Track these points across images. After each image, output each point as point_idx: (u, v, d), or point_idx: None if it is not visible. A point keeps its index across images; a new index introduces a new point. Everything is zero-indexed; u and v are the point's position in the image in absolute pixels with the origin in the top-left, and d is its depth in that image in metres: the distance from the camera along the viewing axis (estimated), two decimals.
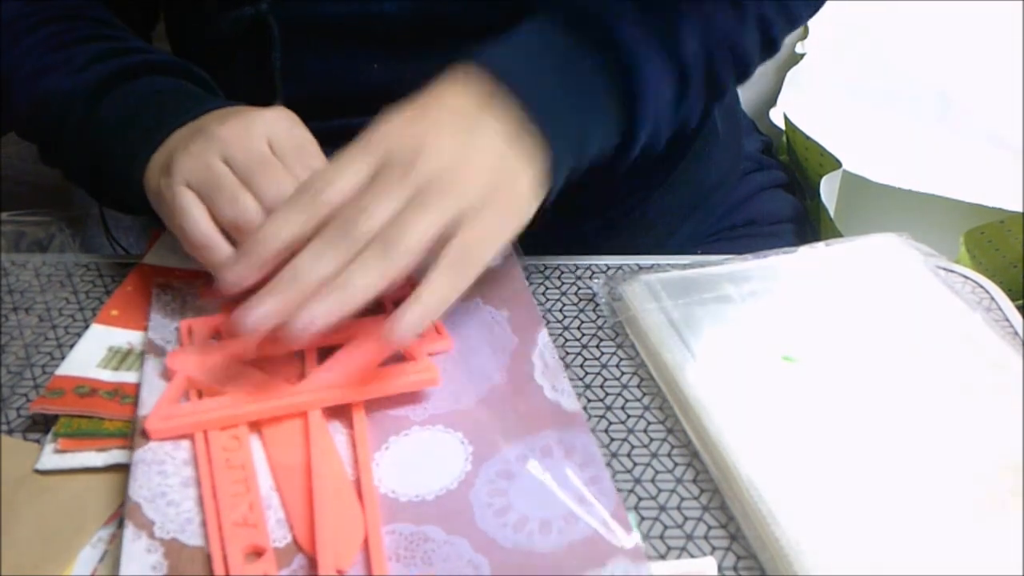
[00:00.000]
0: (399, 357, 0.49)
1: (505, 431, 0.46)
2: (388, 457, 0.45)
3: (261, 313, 0.43)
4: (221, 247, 0.49)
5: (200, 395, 0.47)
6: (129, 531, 0.40)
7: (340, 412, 0.47)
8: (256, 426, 0.46)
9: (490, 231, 0.46)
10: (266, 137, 0.51)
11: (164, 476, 0.43)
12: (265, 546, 0.40)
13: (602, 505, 0.42)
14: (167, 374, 0.48)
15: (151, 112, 0.54)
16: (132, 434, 0.45)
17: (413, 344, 0.49)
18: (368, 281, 0.43)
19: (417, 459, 0.45)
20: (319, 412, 0.46)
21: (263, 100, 0.65)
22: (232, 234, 0.49)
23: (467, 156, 0.46)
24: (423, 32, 0.63)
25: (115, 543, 0.41)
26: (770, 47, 0.60)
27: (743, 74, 0.59)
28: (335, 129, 0.66)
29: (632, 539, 0.41)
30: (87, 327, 0.53)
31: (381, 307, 0.52)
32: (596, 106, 0.51)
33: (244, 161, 0.49)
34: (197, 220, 0.49)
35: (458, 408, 0.48)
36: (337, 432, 0.46)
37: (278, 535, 0.41)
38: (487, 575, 0.39)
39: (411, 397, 0.48)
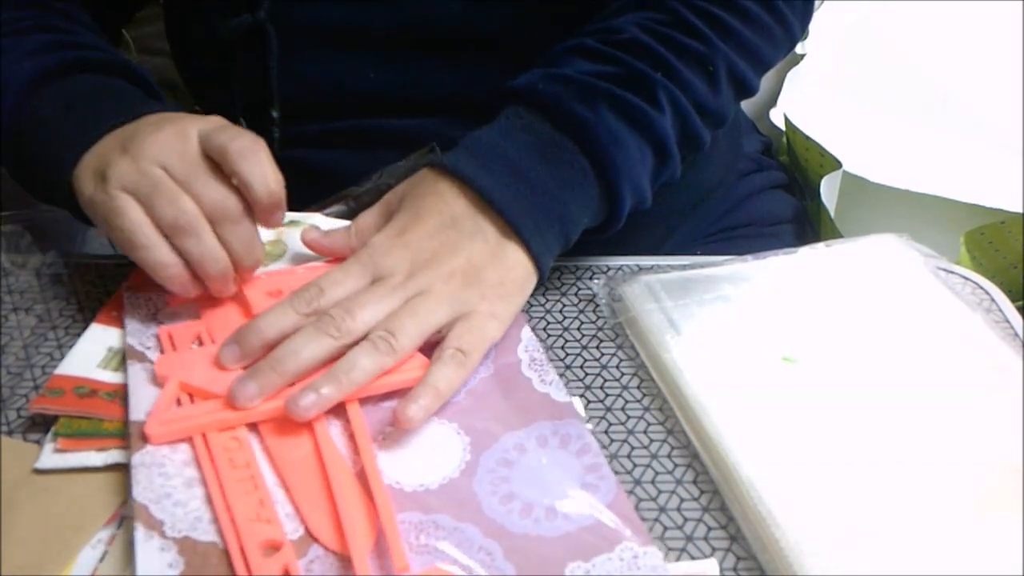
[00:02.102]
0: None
1: (499, 421, 0.47)
2: (387, 448, 0.45)
3: (254, 390, 0.46)
4: (160, 247, 0.49)
5: (192, 399, 0.47)
6: (140, 532, 0.40)
7: (333, 406, 0.47)
8: (253, 426, 0.46)
9: (484, 330, 0.50)
10: (212, 149, 0.50)
11: (166, 478, 0.43)
12: (281, 540, 0.40)
13: (604, 492, 0.43)
14: (157, 380, 0.48)
15: (84, 111, 0.54)
16: (127, 438, 0.45)
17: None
18: (367, 368, 0.46)
19: (415, 449, 0.45)
20: (332, 413, 0.47)
21: (260, 104, 0.65)
22: (171, 237, 0.49)
23: (455, 269, 0.50)
24: (418, 40, 0.63)
25: (115, 543, 0.41)
26: (747, 92, 0.61)
27: (719, 125, 0.60)
28: (332, 131, 0.66)
29: (637, 523, 0.41)
30: (87, 327, 0.53)
31: None
32: (576, 194, 0.53)
33: (181, 167, 0.49)
34: (135, 220, 0.48)
35: (449, 400, 0.48)
36: (331, 426, 0.47)
37: (289, 528, 0.41)
38: (500, 559, 0.40)
39: (402, 390, 0.48)
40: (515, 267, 0.52)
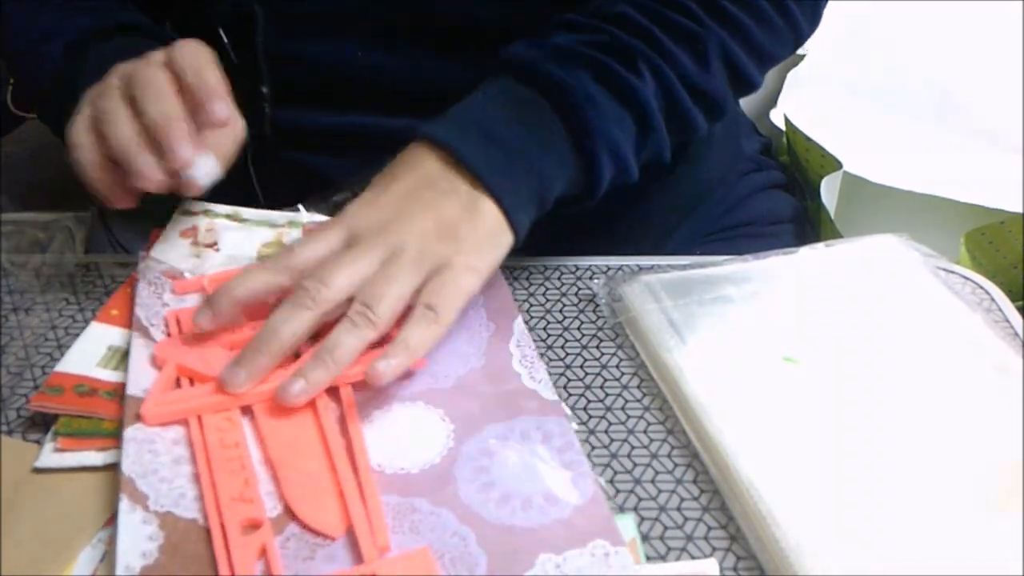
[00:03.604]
0: (385, 340, 0.50)
1: (484, 412, 0.47)
2: (372, 431, 0.46)
3: (243, 376, 0.46)
4: (94, 169, 0.52)
5: (192, 381, 0.48)
6: (124, 503, 0.41)
7: (327, 390, 0.48)
8: (246, 407, 0.47)
9: (458, 283, 0.49)
10: (166, 59, 0.53)
11: (155, 455, 0.44)
12: (261, 519, 0.41)
13: (581, 490, 0.43)
14: (156, 362, 0.49)
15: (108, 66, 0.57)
16: (124, 411, 0.46)
17: (395, 328, 0.50)
18: (352, 347, 0.47)
19: (400, 434, 0.46)
20: (324, 391, 0.47)
21: (250, 86, 0.65)
22: (98, 125, 0.51)
23: (428, 226, 0.50)
24: (411, 29, 0.63)
25: (115, 543, 0.41)
26: (746, 86, 0.61)
27: (713, 112, 0.59)
28: (328, 130, 0.65)
29: (611, 524, 0.41)
30: (87, 327, 0.53)
31: None
32: (551, 155, 0.53)
33: (136, 78, 0.51)
34: (78, 128, 0.52)
35: (437, 387, 0.49)
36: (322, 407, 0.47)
37: (269, 506, 0.42)
38: (473, 545, 0.40)
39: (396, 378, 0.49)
40: (488, 222, 0.51)
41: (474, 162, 0.51)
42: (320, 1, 0.63)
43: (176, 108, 0.51)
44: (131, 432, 0.45)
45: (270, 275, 0.49)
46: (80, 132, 0.52)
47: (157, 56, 0.53)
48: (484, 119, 0.53)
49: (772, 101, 0.99)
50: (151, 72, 0.51)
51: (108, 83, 0.53)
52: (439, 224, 0.50)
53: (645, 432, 0.48)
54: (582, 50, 0.54)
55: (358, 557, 0.40)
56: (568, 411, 0.48)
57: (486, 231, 0.51)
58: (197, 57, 0.52)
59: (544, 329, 0.55)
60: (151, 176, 0.50)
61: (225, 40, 0.65)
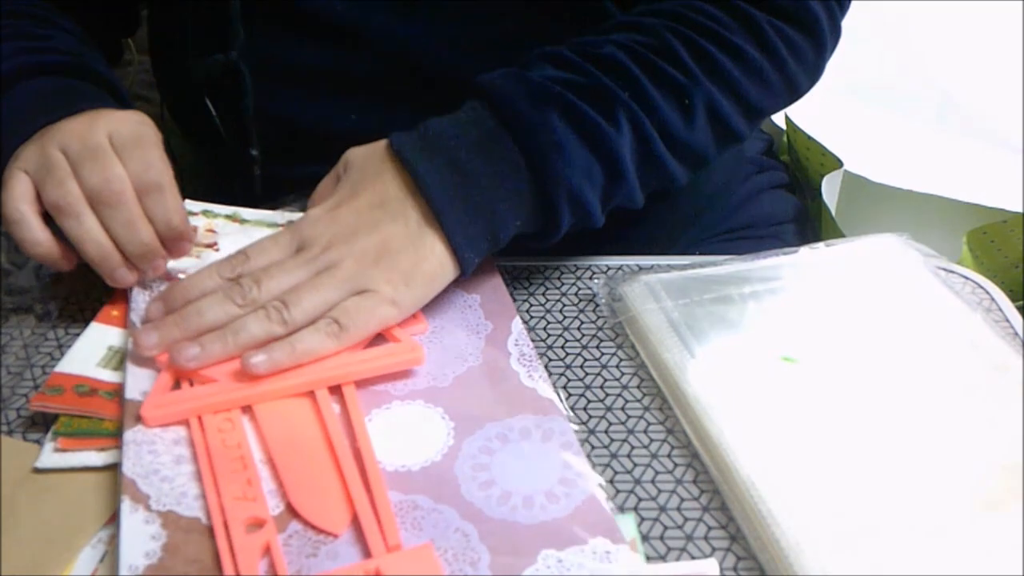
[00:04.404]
0: (383, 339, 0.51)
1: (484, 410, 0.48)
2: (372, 429, 0.46)
3: (155, 339, 0.48)
4: (32, 224, 0.51)
5: (191, 383, 0.48)
6: (126, 504, 0.41)
7: (328, 387, 0.48)
8: (246, 407, 0.47)
9: (375, 311, 0.50)
10: (107, 132, 0.53)
11: (155, 455, 0.44)
12: (265, 518, 0.41)
13: (581, 488, 0.43)
14: (155, 363, 0.49)
15: (29, 113, 0.56)
16: (122, 414, 0.46)
17: (393, 325, 0.51)
18: (253, 334, 0.48)
19: (400, 432, 0.46)
20: (325, 390, 0.48)
21: (239, 144, 0.64)
22: (55, 217, 0.51)
23: (369, 247, 0.50)
24: (402, 85, 0.62)
25: (115, 543, 0.41)
26: (732, 139, 0.59)
27: (695, 165, 0.58)
28: (320, 178, 0.64)
29: (611, 523, 0.41)
30: (87, 327, 0.53)
31: None
32: (510, 194, 0.52)
33: (77, 150, 0.51)
34: (13, 196, 0.51)
35: (436, 385, 0.49)
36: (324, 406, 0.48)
37: (271, 504, 0.42)
38: (475, 541, 0.40)
39: (391, 374, 0.50)
40: (429, 257, 0.51)
41: (432, 190, 0.51)
42: (307, 60, 0.62)
43: (151, 239, 0.52)
44: (131, 435, 0.45)
45: (222, 280, 0.51)
46: (31, 222, 0.51)
47: (100, 133, 0.52)
48: (452, 146, 0.52)
49: None
50: (112, 180, 0.51)
51: (53, 161, 0.51)
52: (380, 248, 0.50)
53: (645, 432, 0.48)
54: (559, 91, 0.53)
55: (361, 553, 0.40)
56: (566, 408, 0.48)
57: (424, 268, 0.51)
58: (148, 171, 0.52)
59: (544, 329, 0.55)
60: (127, 284, 0.53)
61: (212, 109, 0.64)
